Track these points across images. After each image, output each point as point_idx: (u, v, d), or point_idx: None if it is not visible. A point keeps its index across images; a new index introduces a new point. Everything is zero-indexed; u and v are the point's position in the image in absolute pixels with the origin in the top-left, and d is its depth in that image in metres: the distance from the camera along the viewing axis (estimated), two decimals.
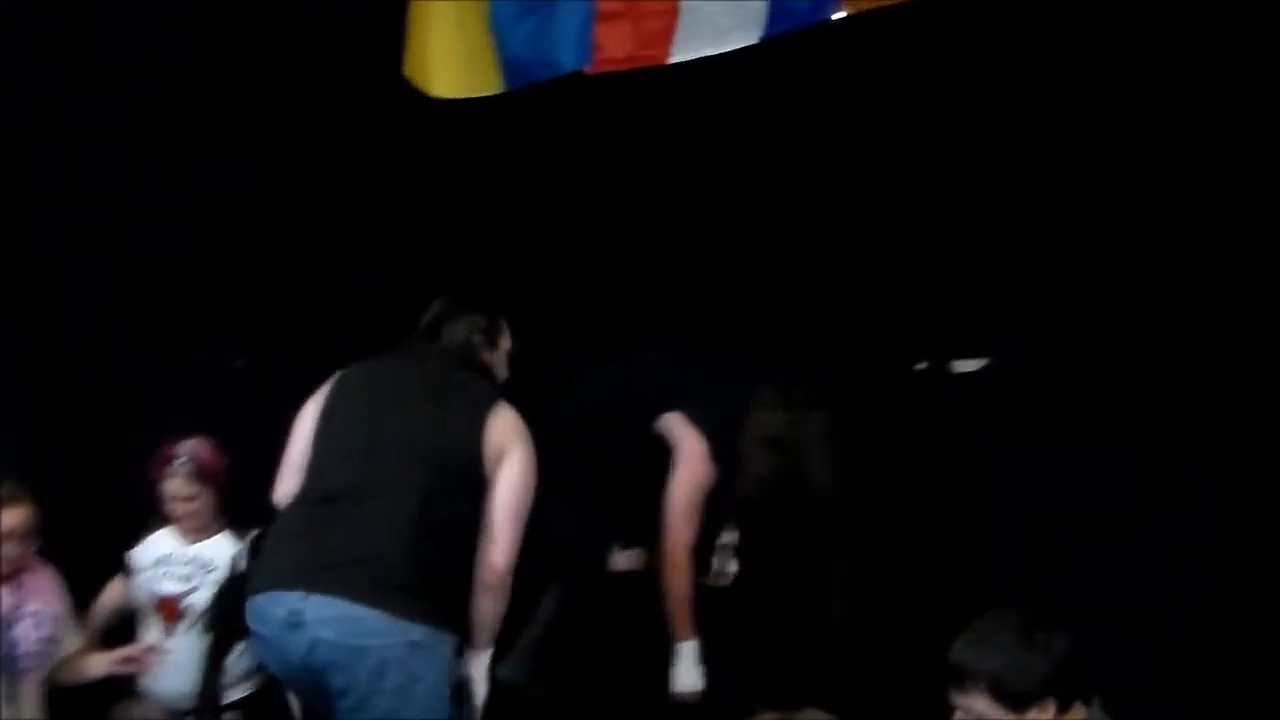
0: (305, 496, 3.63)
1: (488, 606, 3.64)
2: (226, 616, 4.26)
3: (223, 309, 5.16)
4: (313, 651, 3.45)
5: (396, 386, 3.75)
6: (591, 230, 5.24)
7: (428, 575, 3.48)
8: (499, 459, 3.68)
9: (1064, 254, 4.81)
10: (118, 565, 4.56)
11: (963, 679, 3.01)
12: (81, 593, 4.46)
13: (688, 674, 4.33)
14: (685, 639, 4.34)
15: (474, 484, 3.63)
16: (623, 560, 4.59)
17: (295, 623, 3.46)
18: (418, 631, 3.45)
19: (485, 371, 3.92)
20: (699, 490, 4.35)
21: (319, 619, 3.44)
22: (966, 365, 5.21)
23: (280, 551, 3.58)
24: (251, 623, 3.57)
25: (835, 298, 5.21)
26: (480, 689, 3.72)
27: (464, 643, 3.68)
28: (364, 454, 3.61)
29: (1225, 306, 4.57)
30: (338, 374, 3.84)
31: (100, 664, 4.38)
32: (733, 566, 4.63)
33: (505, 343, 4.06)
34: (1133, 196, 4.69)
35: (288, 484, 3.71)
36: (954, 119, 4.87)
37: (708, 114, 4.99)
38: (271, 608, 3.50)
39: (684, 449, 4.35)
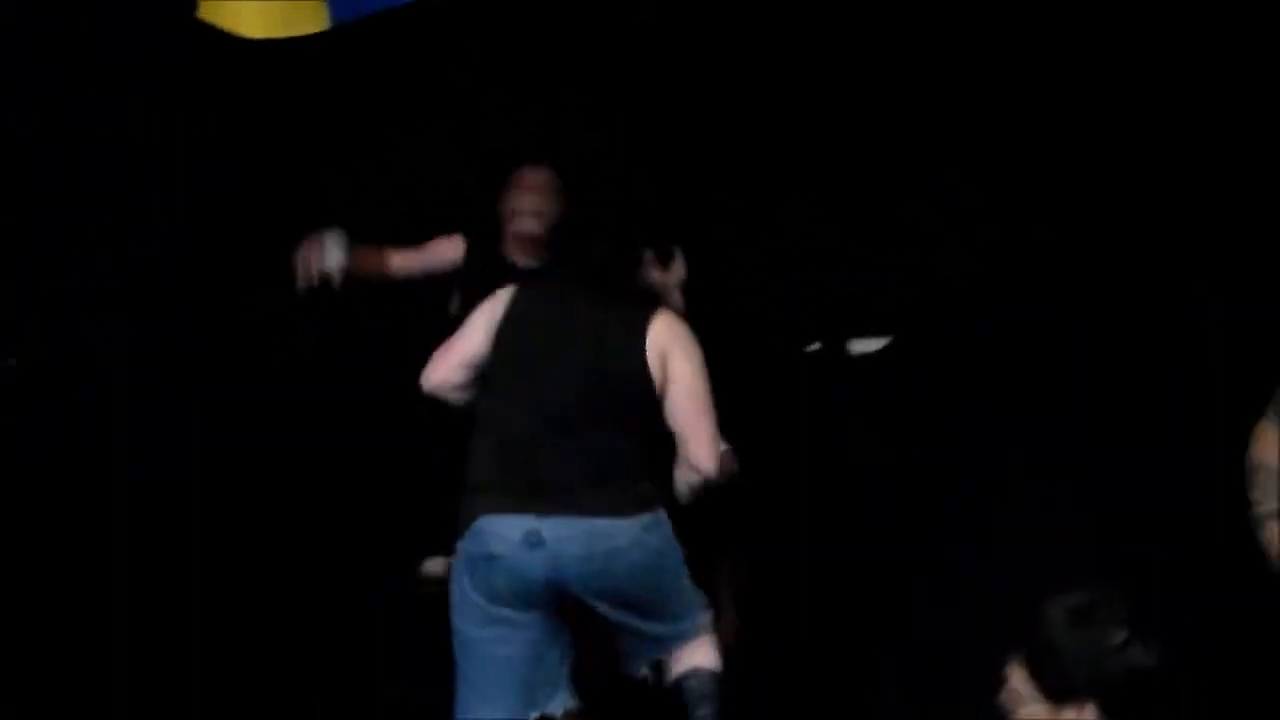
0: (500, 430, 3.84)
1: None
2: None
3: None
4: (559, 569, 3.74)
5: (565, 312, 3.91)
6: None
7: (634, 481, 3.81)
8: (664, 365, 3.86)
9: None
10: None
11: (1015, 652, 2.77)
12: None
13: None
14: None
15: (646, 397, 3.85)
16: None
17: (534, 543, 3.73)
18: (646, 518, 3.81)
19: (644, 292, 4.01)
20: None
21: (558, 537, 3.73)
22: (864, 345, 5.41)
23: (496, 480, 3.79)
24: (480, 546, 3.76)
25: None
26: None
27: None
28: (548, 385, 3.82)
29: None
30: (511, 292, 3.95)
31: None
32: None
33: (678, 270, 4.14)
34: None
35: (444, 373, 3.93)
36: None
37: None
38: (505, 530, 3.74)
39: None
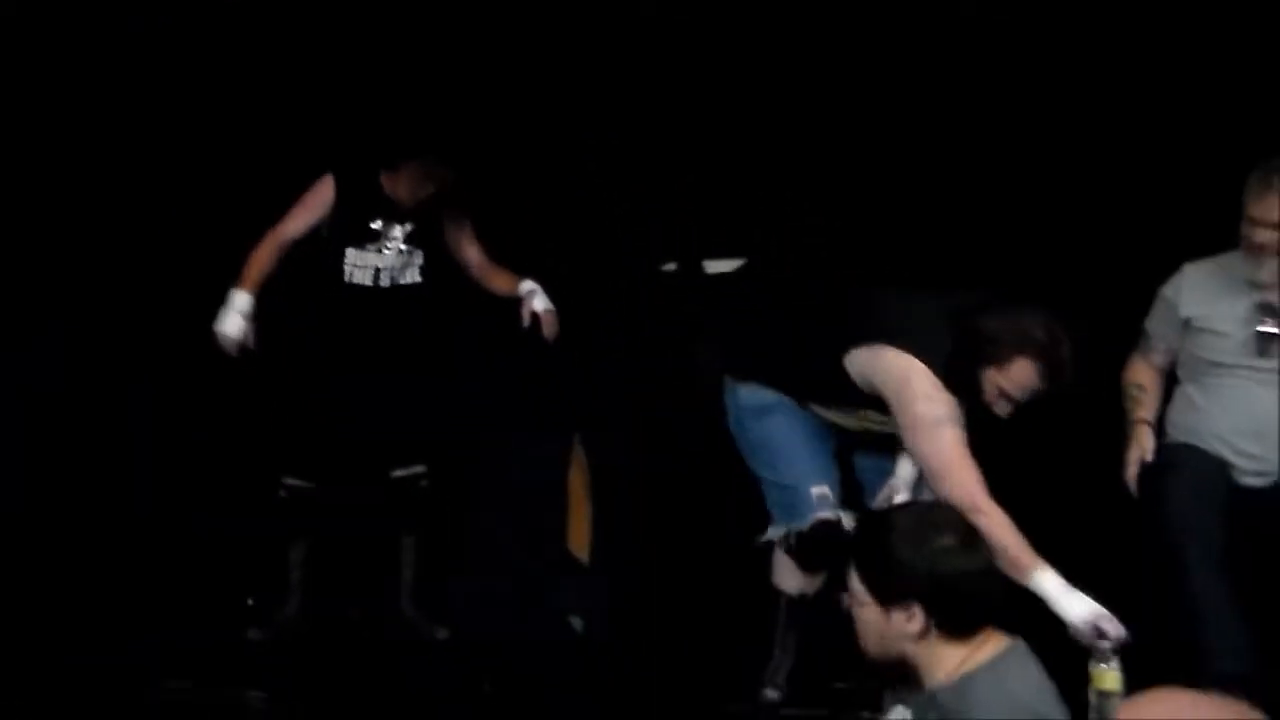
0: None
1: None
2: None
3: None
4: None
5: None
6: None
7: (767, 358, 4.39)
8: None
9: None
10: None
11: (850, 554, 2.95)
12: None
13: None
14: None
15: None
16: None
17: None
18: (737, 387, 4.44)
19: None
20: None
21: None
22: (721, 266, 5.41)
23: None
24: None
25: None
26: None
27: None
28: None
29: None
30: None
31: None
32: None
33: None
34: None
35: None
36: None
37: None
38: None
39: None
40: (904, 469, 4.31)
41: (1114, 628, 3.66)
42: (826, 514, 4.22)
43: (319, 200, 5.21)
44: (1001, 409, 4.02)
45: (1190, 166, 5.11)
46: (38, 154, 5.57)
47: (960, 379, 3.99)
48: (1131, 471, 4.61)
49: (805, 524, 4.24)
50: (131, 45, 5.48)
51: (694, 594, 5.23)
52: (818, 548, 4.23)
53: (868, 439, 4.33)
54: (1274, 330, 4.50)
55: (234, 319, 5.09)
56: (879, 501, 4.27)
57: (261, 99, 5.64)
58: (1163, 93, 5.21)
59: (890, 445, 4.29)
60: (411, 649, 5.23)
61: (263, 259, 5.17)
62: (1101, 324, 4.71)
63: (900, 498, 4.23)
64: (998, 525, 3.80)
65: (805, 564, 4.32)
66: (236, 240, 5.34)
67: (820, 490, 4.24)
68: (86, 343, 5.63)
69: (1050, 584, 3.79)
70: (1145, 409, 4.66)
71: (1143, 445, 4.61)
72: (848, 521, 4.23)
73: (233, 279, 5.21)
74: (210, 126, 5.56)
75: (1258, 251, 4.47)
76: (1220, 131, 5.05)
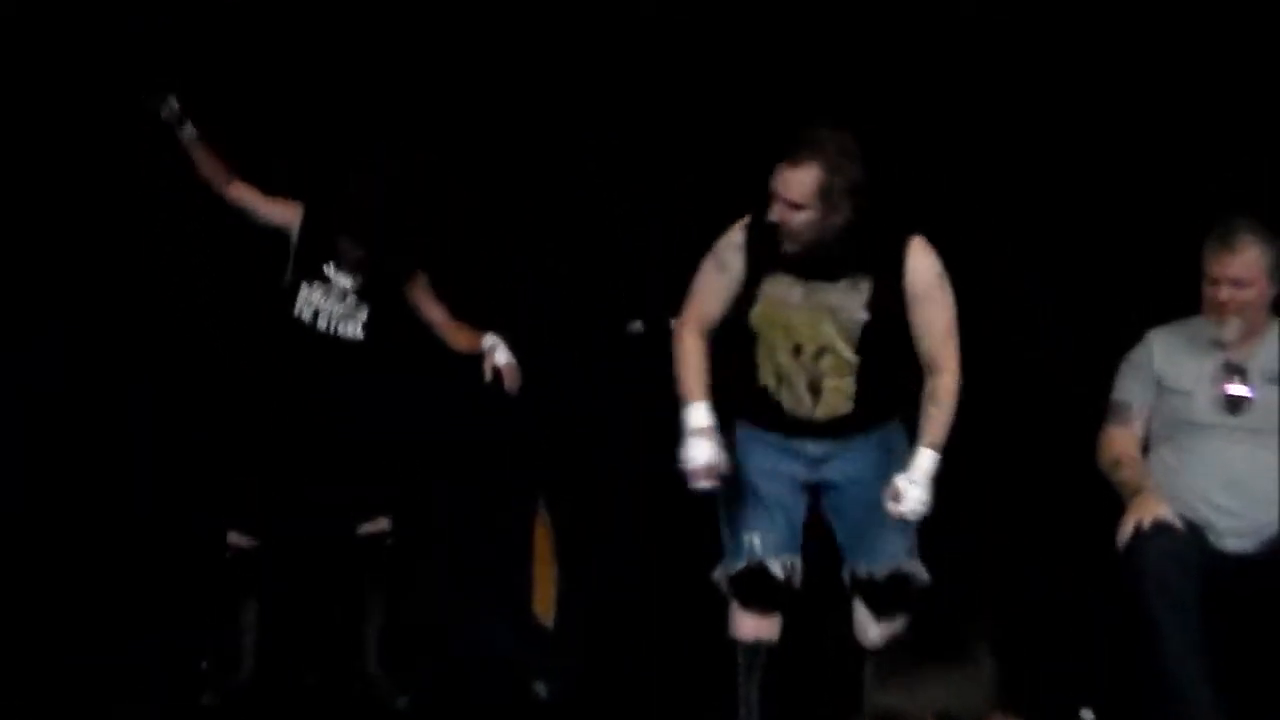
0: None
1: None
2: None
3: None
4: None
5: None
6: None
7: None
8: None
9: None
10: None
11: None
12: None
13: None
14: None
15: None
16: None
17: None
18: None
19: None
20: None
21: None
22: None
23: None
24: None
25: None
26: None
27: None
28: None
29: None
30: None
31: None
32: None
33: None
34: None
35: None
36: None
37: None
38: None
39: None
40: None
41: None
42: (754, 560, 4.36)
43: (277, 212, 5.24)
44: (781, 216, 4.13)
45: (1144, 236, 5.15)
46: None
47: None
48: (1125, 536, 4.41)
49: (734, 570, 4.39)
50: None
51: (663, 654, 5.23)
52: (746, 591, 4.37)
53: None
54: (1242, 393, 4.47)
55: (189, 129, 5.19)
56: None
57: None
58: (1105, 166, 5.24)
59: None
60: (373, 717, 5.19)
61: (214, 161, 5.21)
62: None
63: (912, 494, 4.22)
64: (678, 350, 4.31)
65: (742, 603, 4.43)
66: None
67: (750, 537, 4.36)
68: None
69: (692, 421, 4.24)
70: (1148, 476, 4.52)
71: (1155, 509, 4.39)
72: (776, 568, 4.35)
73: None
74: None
75: (1220, 310, 4.46)
76: (1172, 203, 5.08)
